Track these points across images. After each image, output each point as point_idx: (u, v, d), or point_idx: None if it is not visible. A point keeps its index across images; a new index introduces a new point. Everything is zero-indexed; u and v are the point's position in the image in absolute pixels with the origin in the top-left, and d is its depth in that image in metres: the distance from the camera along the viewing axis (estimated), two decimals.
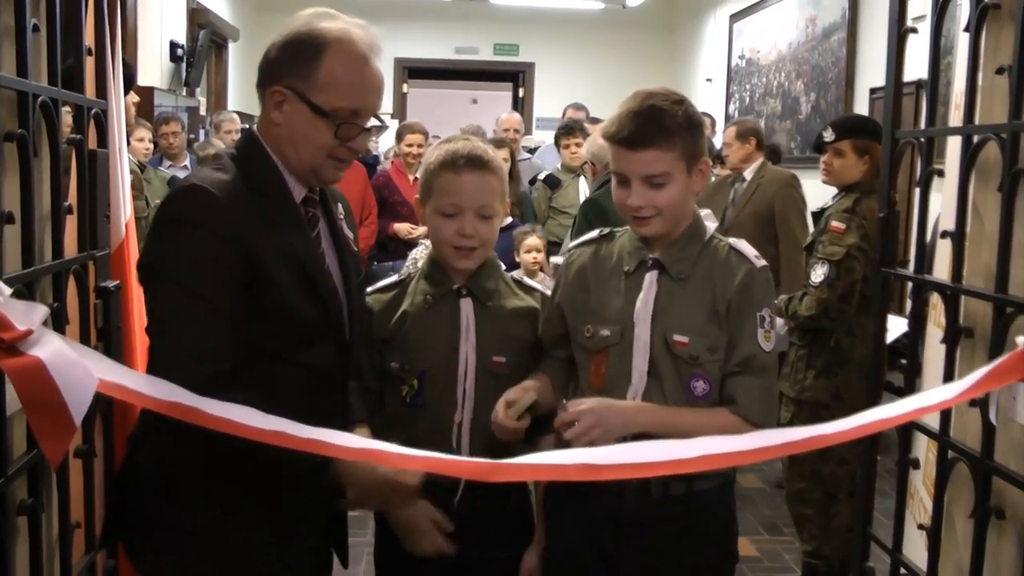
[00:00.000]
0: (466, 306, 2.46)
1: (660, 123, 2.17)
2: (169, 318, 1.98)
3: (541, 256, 5.44)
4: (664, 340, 2.25)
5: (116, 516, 2.24)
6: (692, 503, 2.31)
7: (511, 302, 2.52)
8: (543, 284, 2.79)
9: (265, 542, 2.08)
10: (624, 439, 2.17)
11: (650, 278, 2.29)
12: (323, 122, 2.03)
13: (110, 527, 2.28)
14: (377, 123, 2.14)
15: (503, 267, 2.61)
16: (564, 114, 8.44)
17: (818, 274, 4.04)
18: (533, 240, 5.46)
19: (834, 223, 4.07)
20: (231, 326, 1.96)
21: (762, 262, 2.35)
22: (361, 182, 6.78)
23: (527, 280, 2.62)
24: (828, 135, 4.23)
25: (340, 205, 2.32)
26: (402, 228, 6.88)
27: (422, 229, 6.67)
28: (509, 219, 5.88)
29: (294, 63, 2.04)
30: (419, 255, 5.13)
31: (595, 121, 7.04)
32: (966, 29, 2.38)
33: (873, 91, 7.76)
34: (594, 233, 2.44)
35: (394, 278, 2.59)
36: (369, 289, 2.57)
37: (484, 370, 2.44)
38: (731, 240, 2.39)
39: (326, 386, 2.15)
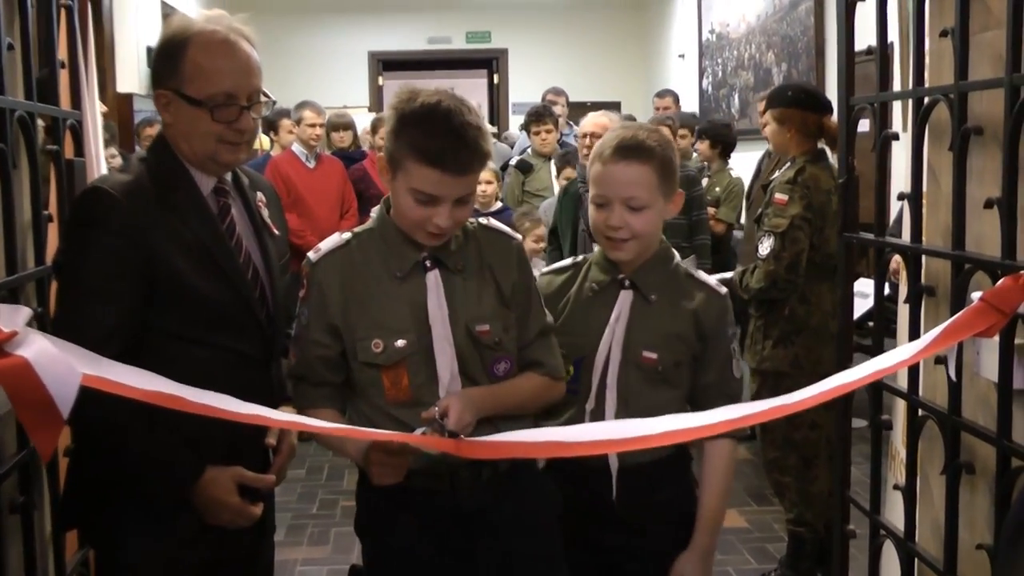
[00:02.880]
0: (625, 298, 2.41)
1: None
2: (63, 311, 2.10)
3: (540, 246, 5.60)
4: (468, 333, 2.20)
5: (68, 502, 2.31)
6: (517, 477, 2.28)
7: (677, 297, 2.42)
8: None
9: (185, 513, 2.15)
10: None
11: (434, 277, 2.20)
12: (200, 111, 2.14)
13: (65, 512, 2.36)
14: (266, 99, 2.24)
15: (677, 259, 2.49)
16: (543, 99, 8.43)
17: (764, 247, 4.06)
18: (541, 231, 5.62)
19: (777, 195, 4.09)
20: (122, 313, 2.07)
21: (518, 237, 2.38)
22: (339, 175, 6.79)
23: (699, 274, 2.50)
24: (763, 108, 4.27)
25: (261, 193, 2.41)
26: None
27: None
28: (499, 204, 5.97)
29: (166, 65, 2.17)
30: None
31: (585, 106, 7.02)
32: None
33: None
34: (341, 236, 2.27)
35: (567, 261, 2.56)
36: (544, 270, 2.58)
37: (630, 364, 2.38)
38: (481, 220, 2.36)
39: (245, 366, 2.24)
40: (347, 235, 2.26)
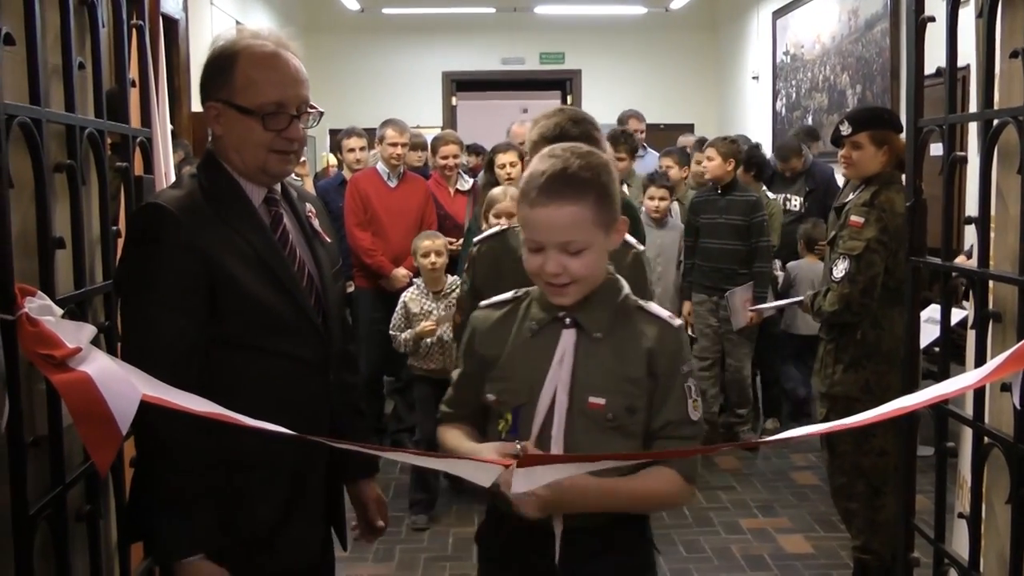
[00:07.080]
0: (568, 337, 2.15)
1: None
2: (139, 328, 2.13)
3: None
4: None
5: (133, 513, 2.33)
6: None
7: (627, 333, 2.16)
8: None
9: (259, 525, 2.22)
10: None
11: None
12: (251, 120, 2.19)
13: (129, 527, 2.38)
14: (312, 111, 2.27)
15: (626, 291, 2.22)
16: (619, 121, 8.32)
17: (839, 269, 4.00)
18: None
19: (853, 217, 4.02)
20: (199, 326, 2.11)
21: None
22: (421, 195, 6.60)
23: (650, 306, 2.22)
24: (844, 129, 4.12)
25: (309, 204, 2.45)
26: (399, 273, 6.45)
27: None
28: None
29: (216, 78, 2.22)
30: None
31: (659, 128, 6.94)
32: (979, 15, 2.41)
33: None
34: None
35: (509, 294, 2.34)
36: (482, 303, 2.41)
37: (576, 411, 2.11)
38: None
39: (305, 372, 2.28)
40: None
